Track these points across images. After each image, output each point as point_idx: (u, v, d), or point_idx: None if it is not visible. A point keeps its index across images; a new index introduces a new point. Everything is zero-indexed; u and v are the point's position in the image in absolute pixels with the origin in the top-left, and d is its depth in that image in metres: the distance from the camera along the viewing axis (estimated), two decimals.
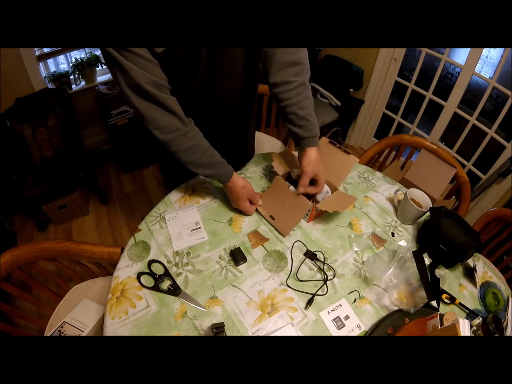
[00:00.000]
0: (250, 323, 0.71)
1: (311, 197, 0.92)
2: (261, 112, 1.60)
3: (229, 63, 0.78)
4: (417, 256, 0.78)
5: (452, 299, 0.79)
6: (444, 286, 0.80)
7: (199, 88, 0.80)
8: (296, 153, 1.01)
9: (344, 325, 0.73)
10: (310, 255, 0.83)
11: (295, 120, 0.87)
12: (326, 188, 0.93)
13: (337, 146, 0.96)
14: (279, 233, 0.89)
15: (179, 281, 0.77)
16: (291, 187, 0.90)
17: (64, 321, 0.89)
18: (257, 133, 1.63)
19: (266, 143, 1.59)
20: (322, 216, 0.94)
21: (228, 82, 0.83)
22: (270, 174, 1.06)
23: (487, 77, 1.75)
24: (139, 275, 0.77)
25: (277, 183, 0.91)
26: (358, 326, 0.73)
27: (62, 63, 2.17)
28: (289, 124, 0.89)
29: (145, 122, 0.73)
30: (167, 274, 0.78)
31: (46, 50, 1.94)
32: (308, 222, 0.93)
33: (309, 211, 0.89)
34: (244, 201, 0.89)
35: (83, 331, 0.87)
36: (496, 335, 0.62)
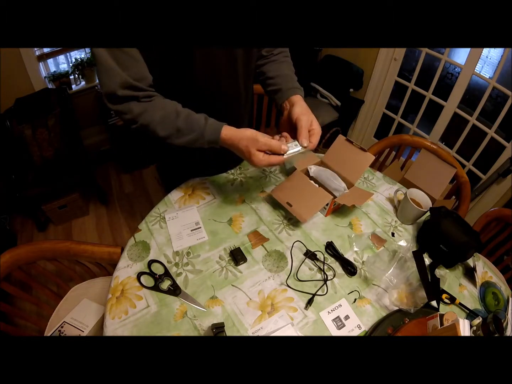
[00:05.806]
0: (250, 323, 0.71)
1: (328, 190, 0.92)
2: (261, 112, 1.60)
3: (229, 63, 0.79)
4: (417, 256, 0.78)
5: (452, 299, 0.79)
6: (444, 286, 0.80)
7: (197, 88, 0.80)
8: (312, 152, 1.02)
9: (344, 325, 0.73)
10: (310, 255, 0.83)
11: (272, 80, 0.86)
12: (343, 184, 0.94)
13: (354, 143, 0.96)
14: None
15: (179, 281, 0.77)
16: (311, 181, 0.91)
17: (64, 321, 0.89)
18: None
19: None
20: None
21: (228, 82, 0.83)
22: (270, 174, 1.06)
23: (487, 77, 1.75)
24: (139, 275, 0.77)
25: (297, 175, 0.93)
26: (358, 326, 0.73)
27: (62, 63, 2.17)
28: (268, 87, 0.88)
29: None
30: (167, 274, 0.78)
31: (46, 50, 1.94)
32: (325, 216, 0.94)
33: (327, 204, 0.90)
34: (253, 155, 0.73)
35: (83, 331, 0.87)
36: (496, 335, 0.62)
